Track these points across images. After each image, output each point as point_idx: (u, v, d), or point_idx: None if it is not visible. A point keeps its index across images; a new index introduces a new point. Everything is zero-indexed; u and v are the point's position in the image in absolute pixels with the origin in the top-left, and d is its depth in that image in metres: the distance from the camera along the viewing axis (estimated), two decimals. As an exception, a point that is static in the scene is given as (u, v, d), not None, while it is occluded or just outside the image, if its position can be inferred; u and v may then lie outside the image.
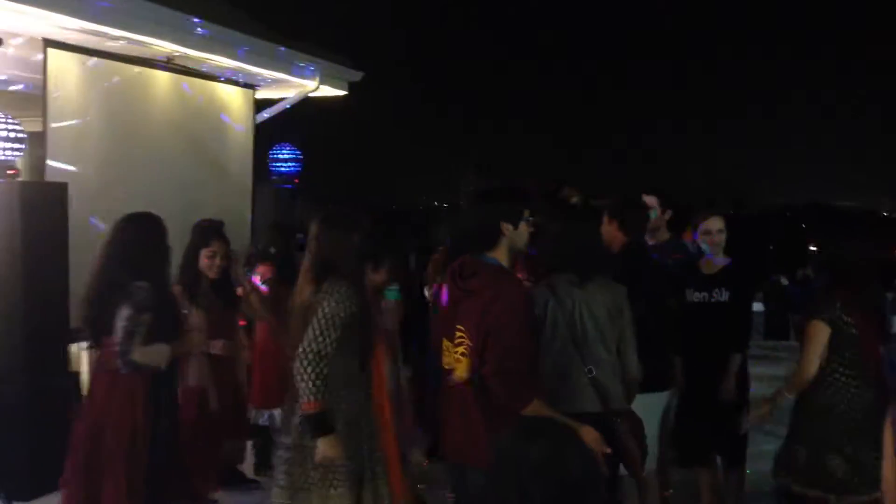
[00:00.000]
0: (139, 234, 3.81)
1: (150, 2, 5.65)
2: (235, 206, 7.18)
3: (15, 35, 5.48)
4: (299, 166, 7.84)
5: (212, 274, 4.58)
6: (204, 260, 4.56)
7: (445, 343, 3.04)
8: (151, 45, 5.99)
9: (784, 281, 11.41)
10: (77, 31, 5.52)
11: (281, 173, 7.83)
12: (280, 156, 7.80)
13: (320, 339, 3.14)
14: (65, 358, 5.32)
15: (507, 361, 2.84)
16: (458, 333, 2.97)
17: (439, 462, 5.49)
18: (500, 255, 3.02)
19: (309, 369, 3.12)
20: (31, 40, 5.57)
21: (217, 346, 4.53)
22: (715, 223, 4.50)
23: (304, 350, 3.14)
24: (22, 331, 4.96)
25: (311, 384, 3.11)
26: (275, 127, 8.39)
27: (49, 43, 5.45)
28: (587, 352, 3.31)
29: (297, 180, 7.90)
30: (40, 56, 5.47)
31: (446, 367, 3.04)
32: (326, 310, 3.17)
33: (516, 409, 2.87)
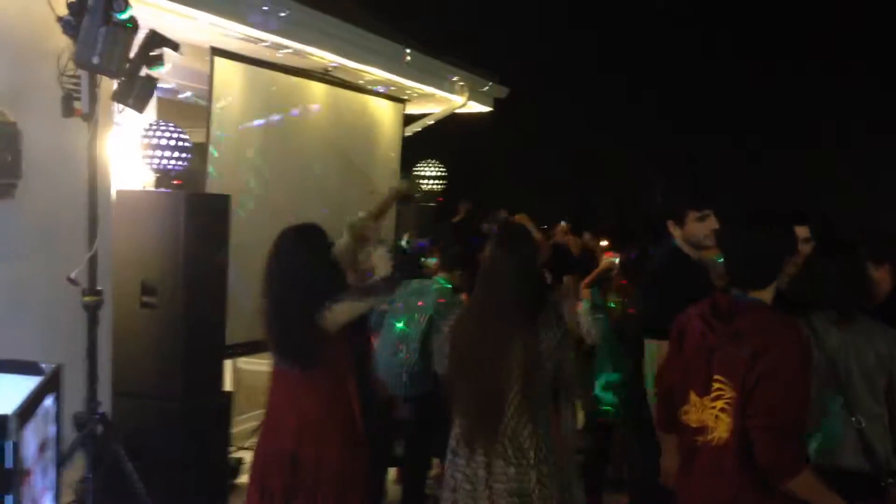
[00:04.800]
0: (312, 248, 3.63)
1: (315, 10, 5.49)
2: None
3: (183, 43, 5.38)
4: (445, 183, 7.57)
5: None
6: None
7: (694, 398, 2.62)
8: (313, 55, 5.83)
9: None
10: (242, 39, 5.39)
11: (425, 190, 7.57)
12: (425, 172, 7.54)
13: None
14: (220, 376, 5.14)
15: (781, 416, 2.40)
16: (717, 385, 2.53)
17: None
18: (766, 295, 2.57)
19: None
20: (197, 49, 5.46)
21: None
22: None
23: None
24: (183, 347, 4.77)
25: None
26: (416, 143, 8.17)
27: (216, 51, 5.33)
28: (853, 399, 2.83)
29: (441, 199, 7.62)
30: (205, 66, 5.35)
31: (696, 425, 2.61)
32: None
33: (781, 478, 2.43)
